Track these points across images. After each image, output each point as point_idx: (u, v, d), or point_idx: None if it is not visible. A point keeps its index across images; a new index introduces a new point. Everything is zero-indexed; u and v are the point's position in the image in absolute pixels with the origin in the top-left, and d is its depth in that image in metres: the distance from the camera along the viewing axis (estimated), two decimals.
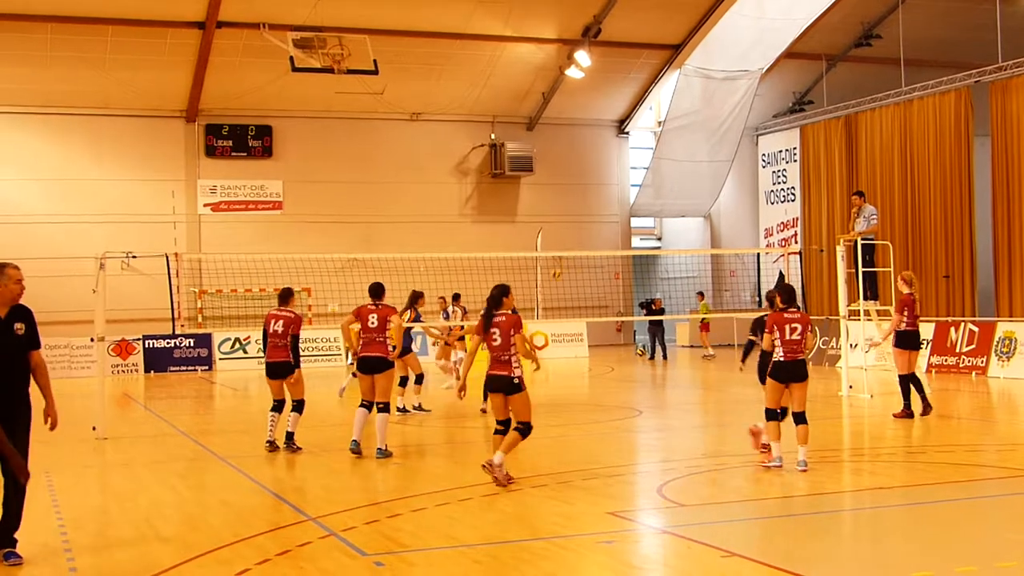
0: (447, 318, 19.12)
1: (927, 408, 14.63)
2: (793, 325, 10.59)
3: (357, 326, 12.29)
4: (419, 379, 16.93)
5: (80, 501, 10.22)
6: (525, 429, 10.07)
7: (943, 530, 8.38)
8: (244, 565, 7.44)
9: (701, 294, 29.89)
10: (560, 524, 8.62)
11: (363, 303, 12.47)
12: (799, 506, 9.41)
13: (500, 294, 10.31)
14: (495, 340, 10.13)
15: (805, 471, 10.37)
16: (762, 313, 11.91)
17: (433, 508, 9.31)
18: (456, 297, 20.34)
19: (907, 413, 14.59)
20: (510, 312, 10.31)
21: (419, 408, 16.58)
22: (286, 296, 13.13)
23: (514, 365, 10.04)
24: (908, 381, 14.69)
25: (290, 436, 12.85)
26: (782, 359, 10.58)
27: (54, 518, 9.24)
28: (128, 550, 8.11)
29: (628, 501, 9.87)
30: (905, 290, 15.15)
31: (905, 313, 14.78)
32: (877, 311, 19.00)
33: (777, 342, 10.62)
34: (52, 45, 26.47)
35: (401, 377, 16.58)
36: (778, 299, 10.87)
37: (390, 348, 12.20)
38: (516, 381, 10.01)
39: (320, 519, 8.88)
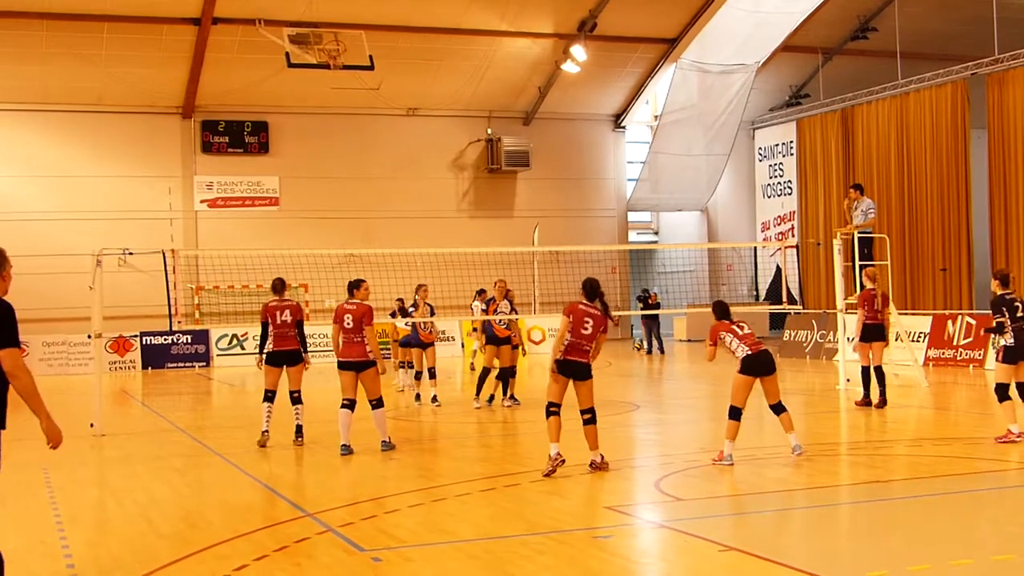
0: (394, 317, 19.43)
1: (883, 401, 14.92)
2: (740, 323, 10.92)
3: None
4: (431, 373, 17.37)
5: (78, 498, 10.22)
6: (594, 415, 10.43)
7: (940, 523, 8.39)
8: (242, 561, 7.43)
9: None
10: (557, 519, 8.62)
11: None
12: (797, 500, 9.42)
13: (599, 286, 10.59)
14: (586, 329, 10.31)
15: (802, 454, 10.49)
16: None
17: (430, 503, 9.31)
18: (481, 292, 20.08)
19: (866, 402, 15.01)
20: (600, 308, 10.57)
21: (428, 400, 17.06)
22: (281, 286, 13.22)
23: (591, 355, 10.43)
24: (868, 372, 15.12)
25: (299, 429, 12.98)
26: (750, 353, 10.66)
27: (51, 515, 9.24)
28: (126, 546, 8.11)
29: (625, 496, 9.86)
30: (868, 285, 15.50)
31: (865, 308, 15.18)
32: (881, 304, 18.97)
33: (735, 342, 10.74)
34: (47, 42, 26.44)
35: (418, 371, 17.59)
36: (714, 316, 11.17)
37: (368, 349, 12.15)
38: (591, 368, 10.42)
39: (318, 515, 8.88)
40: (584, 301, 10.49)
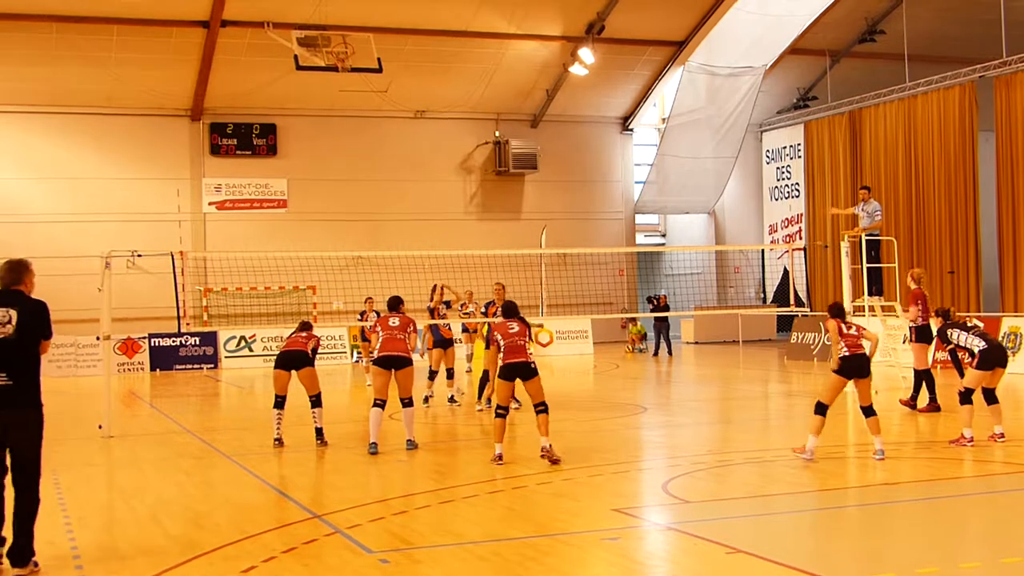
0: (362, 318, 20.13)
1: (915, 406, 15.04)
2: (849, 324, 11.17)
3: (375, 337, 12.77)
4: (449, 373, 17.61)
5: (86, 499, 10.25)
6: (546, 407, 11.31)
7: (948, 525, 8.39)
8: (250, 562, 7.46)
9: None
10: (565, 520, 8.64)
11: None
12: (805, 502, 9.42)
13: (516, 307, 11.84)
14: (512, 329, 11.43)
15: (883, 459, 10.71)
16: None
17: (438, 505, 9.33)
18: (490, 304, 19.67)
19: (934, 407, 14.99)
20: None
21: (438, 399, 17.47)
22: (306, 325, 13.62)
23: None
24: (924, 375, 15.06)
25: (319, 432, 13.14)
26: (847, 354, 10.91)
27: (60, 516, 9.26)
28: (134, 548, 8.14)
29: (633, 497, 9.88)
30: (913, 286, 15.44)
31: (919, 307, 15.17)
32: (882, 307, 18.98)
33: (841, 342, 11.00)
34: (57, 44, 26.52)
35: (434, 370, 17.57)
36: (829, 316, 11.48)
37: (409, 347, 12.43)
38: (533, 366, 11.30)
39: (326, 516, 8.90)
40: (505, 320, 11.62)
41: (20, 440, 7.22)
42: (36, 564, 7.34)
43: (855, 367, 10.92)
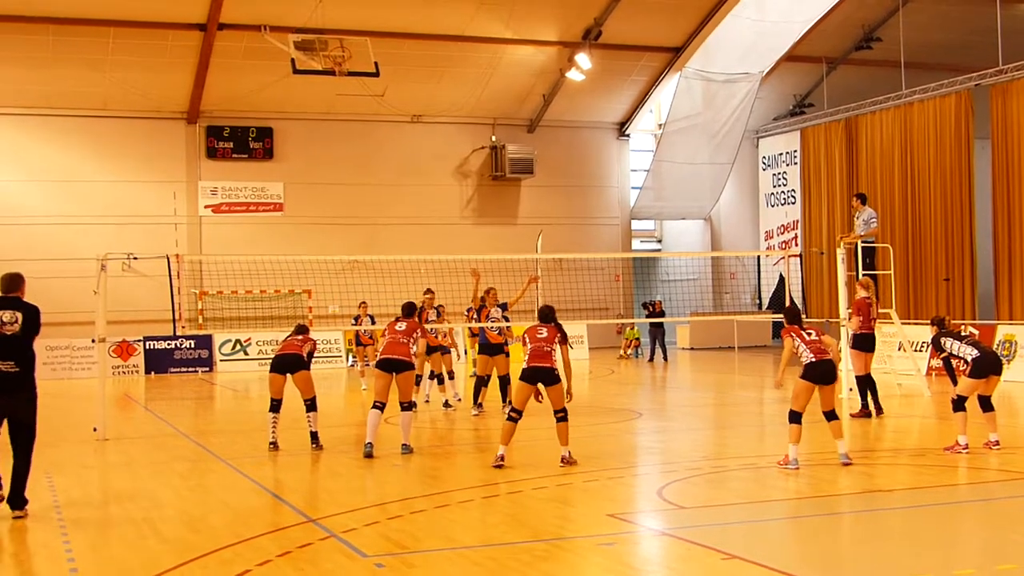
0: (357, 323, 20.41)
1: (879, 411, 15.15)
2: (808, 331, 11.24)
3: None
4: (441, 379, 17.59)
5: (81, 502, 10.23)
6: (565, 415, 11.26)
7: (943, 532, 8.39)
8: (245, 566, 7.45)
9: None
10: (560, 526, 8.64)
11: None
12: (800, 508, 9.43)
13: (552, 312, 11.74)
14: (541, 334, 11.40)
15: (849, 463, 10.78)
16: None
17: (433, 510, 9.32)
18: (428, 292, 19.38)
19: (864, 413, 15.13)
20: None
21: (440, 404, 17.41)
22: (302, 329, 13.66)
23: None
24: (865, 382, 15.26)
25: (314, 436, 13.13)
26: (813, 360, 10.93)
27: (55, 519, 9.25)
28: (129, 551, 8.13)
29: (628, 503, 9.88)
30: (862, 294, 15.62)
31: (860, 316, 15.49)
32: (878, 313, 18.99)
33: (802, 346, 11.07)
34: (54, 47, 26.51)
35: (439, 374, 17.63)
36: (785, 321, 11.61)
37: (412, 352, 12.44)
38: (556, 373, 11.15)
39: (320, 520, 8.89)
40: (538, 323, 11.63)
41: (24, 415, 9.24)
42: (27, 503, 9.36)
43: (821, 373, 10.90)
